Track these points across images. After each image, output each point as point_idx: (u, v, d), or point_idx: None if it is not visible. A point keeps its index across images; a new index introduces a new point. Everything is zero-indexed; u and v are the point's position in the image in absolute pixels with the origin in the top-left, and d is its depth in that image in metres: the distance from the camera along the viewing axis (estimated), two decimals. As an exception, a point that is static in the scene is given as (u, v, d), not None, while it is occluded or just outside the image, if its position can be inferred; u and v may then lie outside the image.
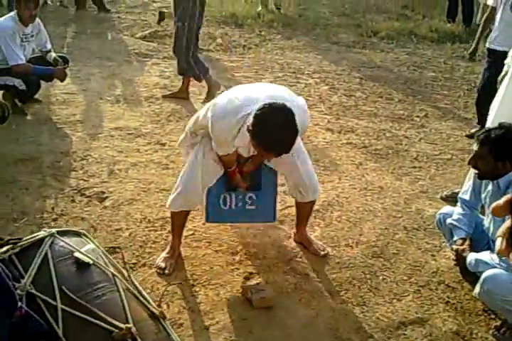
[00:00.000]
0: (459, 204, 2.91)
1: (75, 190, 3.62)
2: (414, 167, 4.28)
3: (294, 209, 3.47)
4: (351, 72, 6.83)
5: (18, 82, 4.66)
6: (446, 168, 4.29)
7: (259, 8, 9.76)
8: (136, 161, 4.07)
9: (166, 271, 2.83)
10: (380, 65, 7.23)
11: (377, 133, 4.90)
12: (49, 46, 5.02)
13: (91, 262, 2.30)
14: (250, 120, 2.39)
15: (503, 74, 3.45)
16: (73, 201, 3.48)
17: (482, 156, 2.53)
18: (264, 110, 2.35)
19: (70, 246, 2.38)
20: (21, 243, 2.37)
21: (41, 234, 2.43)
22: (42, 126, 4.61)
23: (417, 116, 5.40)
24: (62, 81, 4.96)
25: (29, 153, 4.04)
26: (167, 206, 2.95)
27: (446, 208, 3.02)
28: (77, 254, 2.31)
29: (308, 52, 7.58)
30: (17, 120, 4.62)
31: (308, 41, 8.22)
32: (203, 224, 3.25)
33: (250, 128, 2.38)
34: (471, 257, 2.58)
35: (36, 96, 5.04)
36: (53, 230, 2.46)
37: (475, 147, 2.58)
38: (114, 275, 2.31)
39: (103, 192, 3.60)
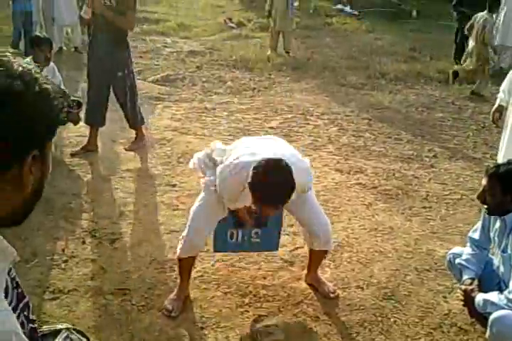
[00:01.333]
0: (468, 244, 2.89)
1: (86, 231, 3.64)
2: (425, 207, 4.27)
3: (304, 250, 3.48)
4: (360, 113, 6.91)
5: None
6: (456, 208, 4.28)
7: (269, 52, 10.00)
8: (146, 202, 4.11)
9: (173, 314, 2.83)
10: (389, 106, 7.31)
11: (387, 173, 4.92)
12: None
13: None
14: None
15: (496, 106, 3.48)
16: (84, 242, 3.50)
17: (490, 190, 2.53)
18: (261, 164, 2.44)
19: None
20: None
21: (57, 326, 2.30)
22: (55, 168, 4.59)
23: (427, 156, 5.42)
24: (75, 124, 5.05)
25: (42, 195, 4.08)
26: (176, 257, 2.96)
27: (457, 248, 3.00)
28: None
29: (317, 94, 7.70)
30: (30, 162, 4.70)
31: (317, 83, 8.36)
32: (212, 265, 3.25)
33: (249, 181, 2.46)
34: (480, 297, 2.54)
35: (50, 139, 5.13)
36: (70, 326, 2.33)
37: (484, 181, 2.59)
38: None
39: (113, 234, 3.62)
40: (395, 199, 4.40)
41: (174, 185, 4.43)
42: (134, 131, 5.33)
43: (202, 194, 2.95)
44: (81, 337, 2.24)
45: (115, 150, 5.17)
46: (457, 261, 2.83)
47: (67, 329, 2.26)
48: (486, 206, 2.62)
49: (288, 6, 9.91)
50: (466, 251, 2.85)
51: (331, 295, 3.06)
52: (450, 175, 4.94)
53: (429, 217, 4.10)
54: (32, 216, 3.37)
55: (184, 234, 2.92)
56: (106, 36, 4.79)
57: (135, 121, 5.25)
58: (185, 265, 2.95)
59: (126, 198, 4.17)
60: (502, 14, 9.19)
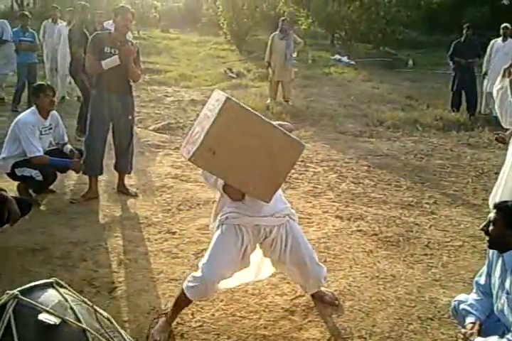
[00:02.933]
0: (474, 289, 2.85)
1: (84, 280, 3.60)
2: (426, 254, 4.24)
3: (304, 298, 3.44)
4: (359, 160, 6.96)
5: (35, 173, 4.80)
6: (458, 255, 4.24)
7: (268, 101, 10.19)
8: (145, 250, 4.08)
9: None
10: (387, 153, 7.37)
11: (387, 220, 4.91)
12: (66, 139, 5.23)
13: (58, 322, 2.00)
14: None
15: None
16: (82, 292, 3.43)
17: (494, 222, 2.54)
18: None
19: (36, 306, 2.04)
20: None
21: (3, 298, 2.08)
22: (54, 216, 4.67)
23: (427, 203, 5.42)
24: (77, 172, 5.10)
25: (40, 244, 4.06)
26: (186, 293, 2.94)
27: (462, 295, 2.95)
28: (41, 316, 2.00)
29: (316, 141, 7.78)
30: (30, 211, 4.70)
31: (315, 131, 8.46)
32: (212, 315, 3.19)
33: None
34: None
35: (50, 186, 5.16)
36: (15, 291, 2.09)
37: (491, 214, 2.59)
38: (84, 330, 2.02)
39: (112, 283, 3.57)
40: (396, 246, 4.37)
41: (174, 233, 4.42)
42: (128, 178, 5.40)
43: (217, 231, 3.06)
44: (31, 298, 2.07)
45: (115, 198, 5.18)
46: (461, 306, 2.78)
47: (15, 297, 2.06)
48: (487, 238, 2.61)
49: (286, 57, 10.17)
50: (472, 296, 2.81)
51: (335, 303, 3.39)
52: (451, 222, 4.93)
53: (430, 264, 4.06)
54: (30, 265, 3.34)
55: (203, 272, 2.91)
56: (115, 85, 4.89)
57: (130, 166, 5.29)
58: (184, 304, 3.04)
59: (126, 246, 4.14)
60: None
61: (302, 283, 3.37)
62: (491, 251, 2.67)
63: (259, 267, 3.37)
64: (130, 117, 5.11)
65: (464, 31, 10.19)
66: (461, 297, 2.92)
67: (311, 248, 3.26)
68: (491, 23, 16.89)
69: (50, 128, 5.04)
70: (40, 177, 4.84)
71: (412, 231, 4.67)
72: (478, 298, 2.77)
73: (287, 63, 10.23)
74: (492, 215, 2.58)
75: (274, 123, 2.88)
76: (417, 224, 4.84)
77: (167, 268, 3.80)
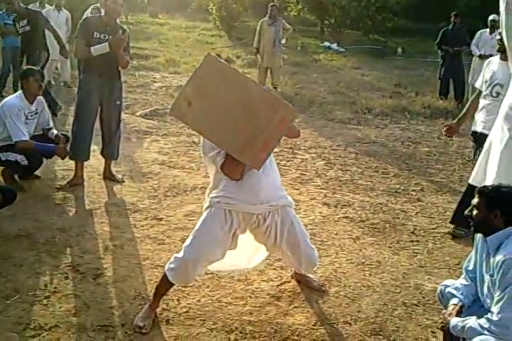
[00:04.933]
0: (463, 275, 2.86)
1: (70, 266, 3.57)
2: (412, 241, 4.26)
3: (290, 284, 3.45)
4: (347, 147, 6.97)
5: (20, 158, 4.75)
6: (443, 242, 4.27)
7: (257, 87, 10.12)
8: (131, 237, 4.06)
9: (144, 330, 2.88)
10: (375, 141, 7.38)
11: (374, 207, 4.92)
12: (51, 124, 5.16)
13: None
14: None
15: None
16: (67, 278, 3.43)
17: (477, 206, 2.55)
18: None
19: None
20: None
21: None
22: (40, 202, 4.63)
23: (413, 190, 5.45)
24: (63, 158, 5.04)
25: (25, 230, 4.03)
26: (167, 275, 2.93)
27: (449, 281, 2.96)
28: None
29: (304, 128, 7.76)
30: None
31: (304, 118, 8.45)
32: (198, 301, 3.19)
33: None
34: (455, 321, 2.48)
35: (36, 172, 5.11)
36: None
37: (475, 199, 2.60)
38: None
39: (97, 269, 3.55)
40: (382, 233, 4.39)
41: (161, 219, 4.40)
42: (114, 164, 5.39)
43: (205, 213, 3.00)
44: None
45: (101, 184, 5.15)
46: (447, 290, 2.79)
47: None
48: (471, 222, 2.63)
49: (275, 43, 10.11)
50: (459, 281, 2.81)
51: (322, 289, 3.42)
52: (437, 209, 4.96)
53: (416, 251, 4.08)
54: (14, 251, 3.32)
55: (186, 255, 2.90)
56: (103, 70, 4.83)
57: (117, 152, 5.25)
58: (166, 287, 3.03)
59: (112, 232, 4.12)
60: None
61: (296, 266, 3.36)
62: (477, 235, 2.68)
63: (254, 254, 3.36)
64: (118, 102, 5.06)
65: (452, 19, 10.18)
66: (448, 282, 2.93)
67: (305, 232, 3.24)
68: (481, 11, 16.89)
69: (36, 113, 4.97)
70: (25, 162, 4.79)
71: (398, 218, 4.69)
72: (466, 283, 2.77)
73: (276, 49, 10.18)
74: (475, 200, 2.59)
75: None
76: (403, 211, 4.86)
77: (153, 255, 3.78)
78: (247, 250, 3.24)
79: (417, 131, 8.10)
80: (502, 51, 4.12)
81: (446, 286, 2.84)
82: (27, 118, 4.85)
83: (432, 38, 12.06)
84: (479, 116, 4.48)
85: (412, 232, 4.42)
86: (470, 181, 4.02)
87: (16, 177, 4.92)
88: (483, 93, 4.43)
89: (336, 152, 6.72)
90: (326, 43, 18.36)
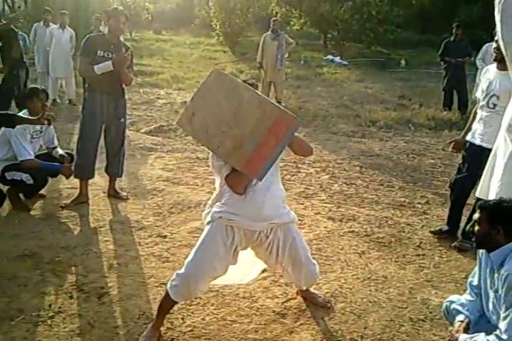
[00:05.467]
0: (468, 291, 2.83)
1: (74, 285, 3.56)
2: (418, 255, 4.23)
3: (295, 301, 3.42)
4: (351, 160, 6.95)
5: (25, 177, 4.76)
6: (450, 255, 4.23)
7: (261, 102, 10.15)
8: (136, 255, 4.05)
9: None
10: (380, 153, 7.37)
11: (379, 220, 4.90)
12: (56, 142, 5.19)
13: None
14: None
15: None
16: (71, 297, 3.42)
17: (479, 222, 2.52)
18: None
19: None
20: None
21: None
22: (44, 221, 4.64)
23: (419, 203, 5.42)
24: (67, 178, 5.05)
25: (30, 249, 4.03)
26: (169, 293, 2.92)
27: (454, 296, 2.93)
28: None
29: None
30: (20, 215, 4.68)
31: (308, 132, 8.45)
32: (202, 319, 3.17)
33: None
34: (463, 338, 2.45)
35: (41, 191, 5.13)
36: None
37: (476, 215, 2.58)
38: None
39: (102, 288, 3.54)
40: (388, 247, 4.36)
41: (165, 236, 4.39)
42: (119, 181, 5.42)
43: (206, 228, 2.98)
44: None
45: (106, 202, 5.15)
46: (453, 306, 2.76)
47: None
48: (474, 238, 2.60)
49: (278, 58, 10.16)
50: (464, 297, 2.79)
51: (328, 305, 3.38)
52: (443, 222, 4.91)
53: (422, 265, 4.05)
54: (19, 271, 3.31)
55: (187, 272, 2.88)
56: (108, 88, 4.87)
57: (122, 169, 5.26)
58: (169, 305, 3.02)
59: (116, 250, 4.11)
60: None
61: (295, 280, 3.34)
62: (479, 251, 2.66)
63: (250, 268, 3.34)
64: (123, 120, 5.09)
65: (454, 30, 10.16)
66: (453, 297, 2.90)
67: (307, 247, 3.23)
68: (483, 22, 16.94)
69: (41, 132, 5.00)
70: (30, 181, 4.80)
71: (404, 232, 4.66)
72: (471, 298, 2.75)
73: (279, 64, 10.23)
74: (476, 215, 2.56)
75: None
76: (409, 225, 4.83)
77: (157, 273, 3.77)
78: (243, 265, 3.21)
79: (422, 143, 8.08)
80: (499, 60, 4.10)
81: (452, 302, 2.81)
82: (32, 137, 4.88)
83: (435, 49, 12.07)
84: (477, 128, 4.40)
85: (418, 246, 4.39)
86: (477, 194, 4.00)
87: (21, 196, 4.94)
88: (480, 103, 4.36)
89: (341, 165, 6.71)
90: (329, 56, 18.42)
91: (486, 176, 3.68)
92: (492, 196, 3.30)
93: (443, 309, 2.93)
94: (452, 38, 10.16)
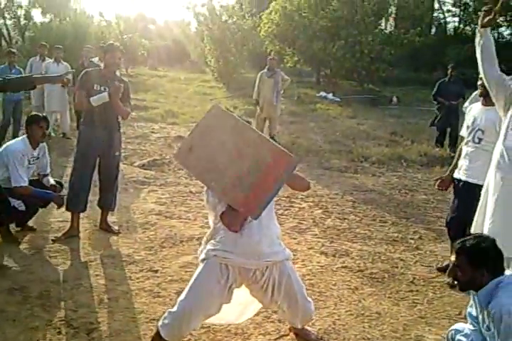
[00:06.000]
0: (469, 321, 2.80)
1: (63, 320, 3.50)
2: (411, 291, 4.20)
3: (288, 337, 3.38)
4: (344, 195, 6.97)
5: (18, 203, 4.74)
6: (443, 291, 4.20)
7: (254, 137, 10.21)
8: (127, 289, 3.99)
9: None
10: (372, 189, 7.39)
11: (373, 256, 4.87)
12: (48, 170, 5.19)
13: None
14: None
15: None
16: (59, 333, 3.35)
17: (460, 266, 2.49)
18: None
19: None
20: None
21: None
22: (34, 254, 4.58)
23: (412, 239, 5.41)
24: (59, 207, 5.02)
25: (19, 283, 3.97)
26: (160, 331, 2.87)
27: (459, 325, 2.89)
28: None
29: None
30: (10, 249, 4.63)
31: (301, 167, 8.47)
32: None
33: None
34: None
35: (31, 224, 5.09)
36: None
37: (452, 258, 2.55)
38: None
39: (91, 323, 3.48)
40: (381, 282, 4.32)
41: (156, 271, 4.34)
42: (111, 214, 5.41)
43: (201, 265, 2.95)
44: None
45: (97, 235, 5.11)
46: (457, 337, 2.72)
47: None
48: (456, 282, 2.57)
49: (274, 94, 10.29)
50: (468, 326, 2.75)
51: None
52: (436, 257, 4.91)
53: (416, 301, 4.01)
54: (7, 306, 3.26)
55: (175, 310, 2.84)
56: (103, 121, 4.90)
57: (114, 202, 5.25)
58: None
59: (107, 285, 4.06)
60: None
61: (290, 319, 3.29)
62: None
63: (246, 307, 3.30)
64: (117, 153, 5.11)
65: (449, 71, 10.25)
66: (458, 326, 2.86)
67: (302, 284, 3.20)
68: (473, 61, 17.26)
69: (37, 158, 5.02)
70: (22, 208, 4.79)
71: (397, 267, 4.63)
72: (474, 328, 2.72)
73: (275, 100, 10.35)
74: (454, 259, 2.53)
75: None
76: (402, 260, 4.81)
77: (148, 308, 3.71)
78: (238, 305, 3.17)
79: (414, 178, 8.12)
80: (484, 96, 4.18)
81: (457, 331, 2.78)
82: (29, 163, 4.89)
83: (427, 87, 12.31)
84: (463, 164, 4.43)
85: (412, 282, 4.36)
86: (472, 230, 3.99)
87: (12, 226, 4.89)
88: (466, 139, 4.41)
89: (334, 200, 6.72)
90: (322, 93, 18.66)
91: (480, 212, 3.70)
92: (486, 231, 3.31)
93: (447, 337, 2.89)
94: (447, 79, 10.28)
